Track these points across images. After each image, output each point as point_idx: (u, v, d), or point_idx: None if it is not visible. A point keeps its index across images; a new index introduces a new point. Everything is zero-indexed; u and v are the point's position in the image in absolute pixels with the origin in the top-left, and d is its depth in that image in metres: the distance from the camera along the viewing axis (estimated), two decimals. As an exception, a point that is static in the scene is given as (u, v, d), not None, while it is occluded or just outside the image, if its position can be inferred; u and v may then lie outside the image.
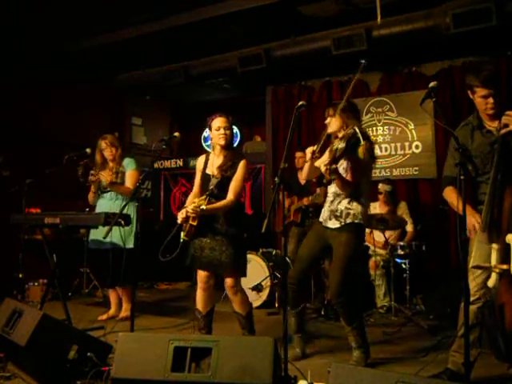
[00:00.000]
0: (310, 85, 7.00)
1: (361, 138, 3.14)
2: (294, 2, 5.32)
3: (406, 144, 6.32)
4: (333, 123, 3.42)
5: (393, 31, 5.38)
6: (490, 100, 2.86)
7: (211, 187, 3.58)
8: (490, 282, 2.70)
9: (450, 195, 2.96)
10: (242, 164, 3.59)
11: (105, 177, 4.68)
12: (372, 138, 6.43)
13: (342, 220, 3.37)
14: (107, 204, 4.82)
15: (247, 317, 3.65)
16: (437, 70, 6.13)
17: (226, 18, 5.56)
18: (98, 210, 4.87)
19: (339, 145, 3.15)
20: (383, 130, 6.49)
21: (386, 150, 6.46)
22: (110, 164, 4.88)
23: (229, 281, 3.57)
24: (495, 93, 2.86)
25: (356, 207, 3.38)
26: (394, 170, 6.36)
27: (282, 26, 5.88)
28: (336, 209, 3.41)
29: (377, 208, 5.64)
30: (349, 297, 3.30)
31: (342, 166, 3.38)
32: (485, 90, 2.86)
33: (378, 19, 5.19)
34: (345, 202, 3.39)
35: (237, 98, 8.41)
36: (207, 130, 9.36)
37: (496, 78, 2.90)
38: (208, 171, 3.69)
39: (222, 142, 3.58)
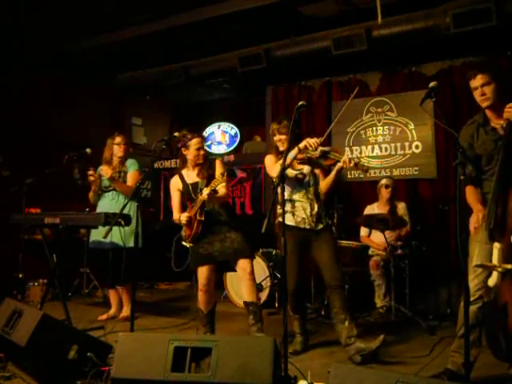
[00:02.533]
0: (310, 85, 7.00)
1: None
2: (294, 2, 5.32)
3: (406, 144, 6.32)
4: (283, 142, 3.76)
5: (393, 31, 5.38)
6: (478, 92, 2.91)
7: (203, 187, 3.70)
8: (491, 281, 2.69)
9: (469, 194, 2.99)
10: (218, 162, 3.88)
11: (105, 171, 4.73)
12: (372, 137, 6.50)
13: (323, 220, 3.75)
14: (108, 204, 4.83)
15: (259, 303, 3.75)
16: (437, 70, 6.13)
17: (226, 18, 5.56)
18: (99, 209, 4.89)
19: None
20: (383, 130, 6.49)
21: (386, 149, 6.46)
22: (115, 162, 4.92)
23: (247, 266, 3.69)
24: (484, 84, 2.89)
25: (324, 208, 3.80)
26: (394, 169, 6.35)
27: (282, 26, 5.88)
28: (317, 212, 3.73)
29: (375, 209, 5.63)
30: (344, 286, 3.74)
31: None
32: (473, 82, 2.93)
33: (379, 19, 5.18)
34: (319, 205, 3.76)
35: (237, 97, 8.40)
36: (207, 129, 9.37)
37: (490, 71, 2.91)
38: (190, 181, 3.86)
39: (201, 161, 3.84)
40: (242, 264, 3.68)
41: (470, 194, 2.98)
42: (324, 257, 3.64)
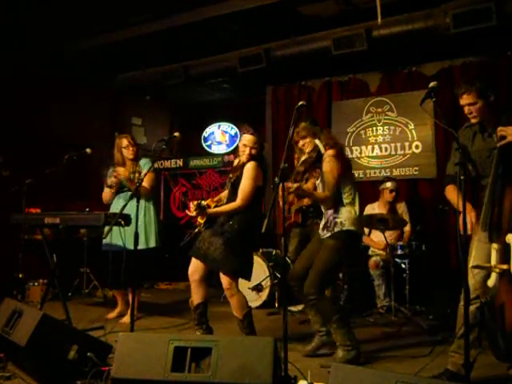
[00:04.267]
0: (310, 85, 7.00)
1: (322, 149, 3.41)
2: (294, 2, 5.32)
3: (406, 144, 6.32)
4: (307, 144, 3.58)
5: (393, 31, 5.38)
6: (466, 110, 2.94)
7: (228, 190, 3.76)
8: (490, 282, 2.70)
9: (452, 193, 2.98)
10: (248, 166, 3.63)
11: (122, 173, 4.73)
12: (372, 137, 6.50)
13: (331, 229, 3.49)
14: (123, 204, 4.79)
15: (243, 320, 3.66)
16: (437, 69, 6.13)
17: (226, 18, 5.56)
18: (112, 210, 4.84)
19: (303, 157, 3.46)
20: (383, 130, 6.49)
21: (386, 149, 6.46)
22: (128, 163, 4.88)
23: (223, 280, 3.63)
24: (471, 103, 2.89)
25: (343, 214, 3.47)
26: (394, 169, 6.36)
27: (282, 26, 5.88)
28: (327, 220, 3.54)
29: (376, 209, 5.62)
30: (321, 299, 3.40)
31: (318, 180, 3.62)
32: (460, 100, 2.96)
33: (379, 19, 5.18)
34: (331, 212, 3.52)
35: (237, 98, 8.40)
36: (207, 129, 9.37)
37: (477, 89, 2.89)
38: (230, 174, 3.85)
39: (244, 159, 3.70)
40: (221, 277, 3.65)
41: (453, 194, 2.93)
42: (311, 268, 3.48)
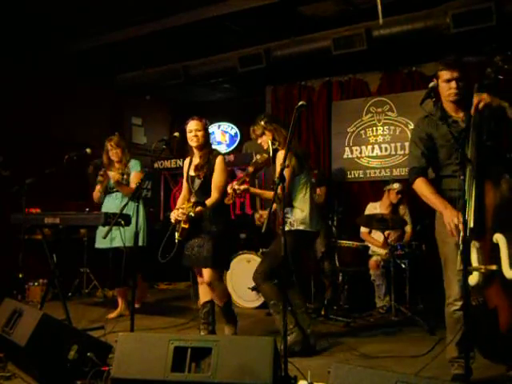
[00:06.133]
0: (310, 85, 7.00)
1: (270, 149, 3.54)
2: (294, 2, 5.31)
3: (406, 144, 6.32)
4: (264, 142, 3.74)
5: (393, 31, 5.38)
6: (453, 84, 2.84)
7: (196, 189, 3.80)
8: (472, 280, 2.58)
9: (421, 187, 2.93)
10: (218, 160, 3.76)
11: (113, 176, 4.79)
12: (372, 137, 6.49)
13: (283, 227, 3.60)
14: (114, 203, 4.85)
15: (225, 307, 3.78)
16: (437, 69, 6.12)
17: (226, 17, 5.56)
18: (104, 209, 4.92)
19: (255, 158, 3.61)
20: (383, 130, 6.49)
21: (386, 149, 6.46)
22: (117, 165, 4.96)
23: (208, 274, 3.69)
24: (459, 78, 2.84)
25: (293, 215, 3.67)
26: (393, 169, 6.36)
27: (282, 26, 5.87)
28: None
29: (377, 208, 5.62)
30: (262, 286, 3.64)
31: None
32: (447, 73, 2.86)
33: (380, 20, 5.18)
34: (286, 211, 3.63)
35: (237, 97, 8.40)
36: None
37: (461, 64, 2.89)
38: (191, 173, 3.88)
39: (194, 144, 3.79)
40: (205, 271, 3.72)
41: (427, 188, 2.89)
42: (263, 257, 3.71)
